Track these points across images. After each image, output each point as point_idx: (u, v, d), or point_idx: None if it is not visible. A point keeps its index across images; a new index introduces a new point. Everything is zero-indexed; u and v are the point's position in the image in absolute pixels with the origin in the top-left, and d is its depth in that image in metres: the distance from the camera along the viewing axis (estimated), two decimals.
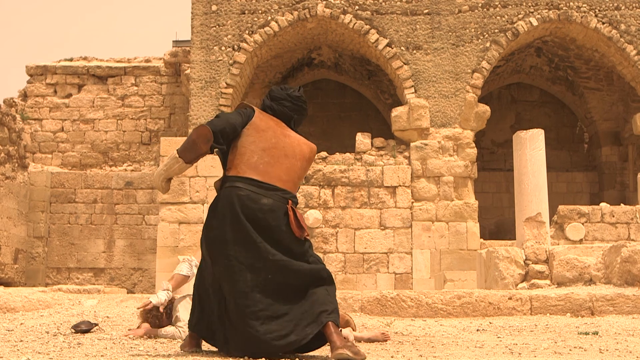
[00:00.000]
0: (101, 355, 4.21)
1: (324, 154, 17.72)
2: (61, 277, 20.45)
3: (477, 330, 6.62)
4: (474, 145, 17.52)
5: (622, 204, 17.98)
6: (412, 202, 17.10)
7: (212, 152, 4.64)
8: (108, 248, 20.57)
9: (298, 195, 17.49)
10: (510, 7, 17.68)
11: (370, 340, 5.49)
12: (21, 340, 4.93)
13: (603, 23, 17.69)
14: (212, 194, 17.10)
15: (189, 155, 4.59)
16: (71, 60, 22.38)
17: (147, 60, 22.28)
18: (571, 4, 17.66)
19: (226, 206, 4.49)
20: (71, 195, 20.68)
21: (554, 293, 8.10)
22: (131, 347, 4.74)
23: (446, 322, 7.61)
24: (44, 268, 20.42)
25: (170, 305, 5.83)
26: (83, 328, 5.58)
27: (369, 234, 17.01)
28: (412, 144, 17.38)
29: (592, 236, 16.72)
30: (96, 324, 5.79)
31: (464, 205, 17.14)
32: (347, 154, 17.57)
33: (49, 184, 20.60)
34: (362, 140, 17.71)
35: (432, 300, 8.19)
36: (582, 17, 17.66)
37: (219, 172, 17.29)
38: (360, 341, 5.40)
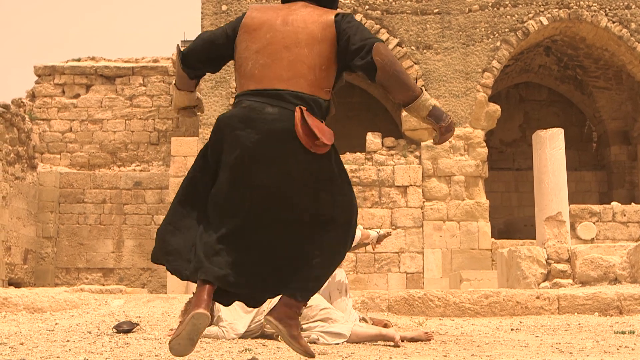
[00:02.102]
0: (155, 355, 4.19)
1: None
2: (70, 277, 20.42)
3: (512, 329, 6.61)
4: (484, 144, 17.51)
5: (632, 203, 17.98)
6: (423, 202, 17.09)
7: (197, 77, 4.01)
8: (117, 248, 20.55)
9: None
10: (520, 6, 17.67)
11: (413, 340, 5.48)
12: (68, 340, 4.91)
13: (613, 22, 17.69)
14: None
15: (177, 80, 4.07)
16: (79, 60, 22.34)
17: (155, 60, 22.25)
18: (581, 3, 17.67)
19: (222, 125, 3.72)
20: (80, 195, 20.67)
21: (581, 292, 8.09)
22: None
23: (475, 321, 7.61)
24: (53, 268, 20.40)
25: (212, 305, 5.80)
26: (125, 328, 5.56)
27: None
28: (422, 144, 17.37)
29: (604, 235, 16.74)
30: (137, 324, 5.78)
31: (475, 204, 17.14)
32: (358, 154, 17.56)
33: (57, 184, 20.58)
34: (373, 139, 17.70)
35: (459, 299, 8.18)
36: (592, 16, 17.66)
37: None
38: (403, 340, 5.39)
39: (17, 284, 18.59)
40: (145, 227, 20.60)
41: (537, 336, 5.95)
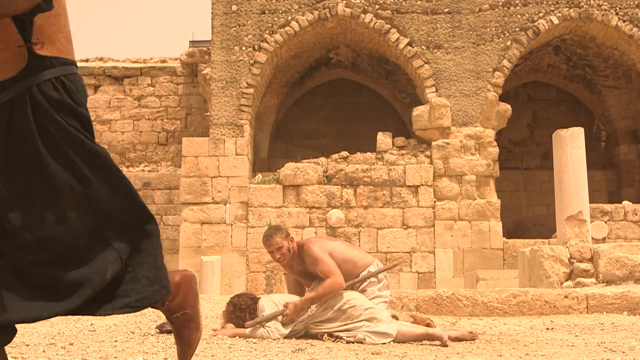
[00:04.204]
0: (212, 356, 4.18)
1: (345, 153, 17.70)
2: None
3: (547, 329, 6.60)
4: (495, 144, 17.50)
5: None
6: (435, 201, 17.08)
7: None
8: None
9: (320, 194, 17.49)
10: (530, 5, 17.66)
11: (457, 339, 5.46)
12: (115, 341, 4.90)
13: (624, 21, 17.69)
14: (235, 194, 17.06)
15: None
16: (87, 60, 22.32)
17: (163, 61, 22.23)
18: (592, 2, 17.66)
19: None
20: None
21: (610, 291, 8.09)
22: (229, 347, 4.71)
23: (505, 320, 7.59)
24: None
25: (254, 305, 5.76)
26: (168, 328, 5.52)
27: (392, 233, 16.98)
28: (433, 143, 17.35)
29: (615, 234, 16.76)
30: None
31: (487, 204, 17.12)
32: (369, 154, 17.54)
33: None
34: (383, 139, 17.68)
35: (487, 299, 8.17)
36: (602, 15, 17.65)
37: (241, 172, 17.26)
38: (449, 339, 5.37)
39: None
40: None
41: (576, 335, 5.94)
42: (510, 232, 20.87)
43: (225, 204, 17.10)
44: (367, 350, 4.68)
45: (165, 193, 20.73)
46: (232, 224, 17.02)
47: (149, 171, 21.14)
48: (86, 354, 4.14)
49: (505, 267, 16.76)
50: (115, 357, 3.99)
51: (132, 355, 4.10)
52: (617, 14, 17.68)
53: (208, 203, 17.10)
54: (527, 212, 21.76)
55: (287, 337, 5.40)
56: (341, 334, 5.32)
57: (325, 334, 5.38)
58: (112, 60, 22.45)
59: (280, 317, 5.52)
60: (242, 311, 5.68)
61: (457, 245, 16.94)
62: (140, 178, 20.72)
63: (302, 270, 5.86)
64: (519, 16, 17.63)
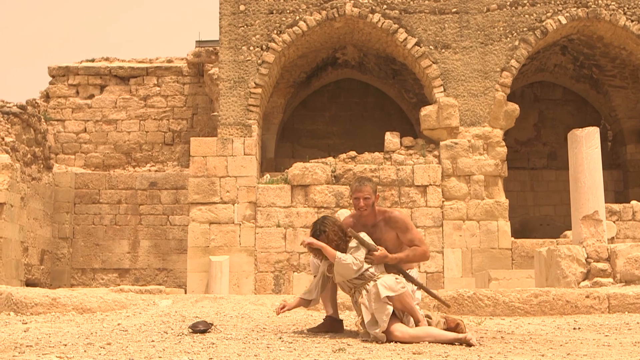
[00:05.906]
0: (254, 355, 4.16)
1: (352, 153, 17.68)
2: (86, 278, 20.37)
3: (574, 329, 6.58)
4: (503, 144, 17.49)
5: None
6: (443, 201, 17.07)
7: None
8: (132, 249, 20.50)
9: (328, 194, 17.52)
10: (538, 5, 17.66)
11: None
12: (152, 340, 4.87)
13: (632, 21, 17.68)
14: (243, 194, 17.04)
15: None
16: (93, 61, 22.30)
17: (169, 61, 22.21)
18: (600, 1, 17.65)
19: None
20: (95, 196, 20.61)
21: (631, 291, 8.07)
22: (267, 347, 4.69)
23: (529, 320, 7.58)
24: (69, 269, 20.34)
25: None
26: (201, 328, 5.51)
27: None
28: (442, 143, 17.34)
29: (624, 234, 16.76)
30: (212, 324, 5.73)
31: (495, 204, 17.12)
32: (377, 154, 17.53)
33: (73, 185, 20.52)
34: (391, 139, 17.66)
35: (509, 298, 8.15)
36: (610, 15, 17.65)
37: (250, 172, 17.22)
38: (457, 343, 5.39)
39: (34, 285, 18.53)
40: (160, 227, 20.55)
41: (606, 335, 5.92)
42: (517, 231, 20.84)
43: (233, 204, 17.08)
44: (407, 350, 4.66)
45: (172, 193, 20.71)
46: (240, 224, 17.00)
47: (156, 171, 21.12)
48: (129, 354, 4.12)
49: (513, 267, 16.75)
50: (160, 357, 3.98)
51: (176, 354, 4.08)
52: (625, 13, 17.68)
53: (216, 203, 17.08)
54: (534, 211, 21.74)
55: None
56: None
57: (359, 321, 5.51)
58: (118, 60, 22.43)
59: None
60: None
61: (466, 245, 16.94)
62: (146, 178, 20.70)
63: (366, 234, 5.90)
64: (526, 16, 17.63)
